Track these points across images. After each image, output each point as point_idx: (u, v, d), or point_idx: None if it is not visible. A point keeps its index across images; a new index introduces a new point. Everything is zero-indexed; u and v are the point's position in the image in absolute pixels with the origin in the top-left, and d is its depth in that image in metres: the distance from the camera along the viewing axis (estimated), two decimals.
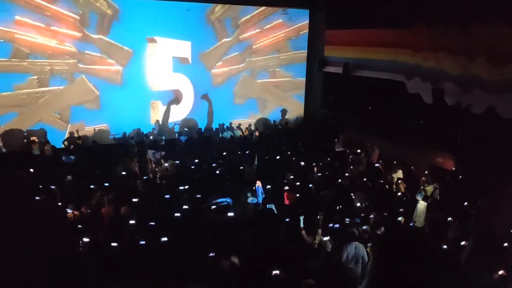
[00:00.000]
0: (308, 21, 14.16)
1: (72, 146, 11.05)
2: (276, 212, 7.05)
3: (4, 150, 10.68)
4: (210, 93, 13.33)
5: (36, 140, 10.83)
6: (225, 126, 13.15)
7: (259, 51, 13.78)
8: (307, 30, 14.21)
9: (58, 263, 5.06)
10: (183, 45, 12.58)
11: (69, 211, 6.75)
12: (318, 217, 6.19)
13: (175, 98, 12.86)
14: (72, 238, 5.85)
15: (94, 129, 11.80)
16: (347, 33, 13.06)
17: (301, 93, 14.72)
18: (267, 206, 7.17)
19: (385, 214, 7.07)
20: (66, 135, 11.42)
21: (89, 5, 11.20)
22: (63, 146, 11.09)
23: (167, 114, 12.72)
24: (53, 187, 7.74)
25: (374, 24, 11.78)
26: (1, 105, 10.62)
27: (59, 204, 7.17)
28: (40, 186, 7.95)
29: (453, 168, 9.41)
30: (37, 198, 7.40)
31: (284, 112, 14.34)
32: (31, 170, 9.08)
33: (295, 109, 14.73)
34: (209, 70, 13.24)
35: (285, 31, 13.93)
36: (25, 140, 10.85)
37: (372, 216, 6.82)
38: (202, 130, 12.80)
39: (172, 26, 12.27)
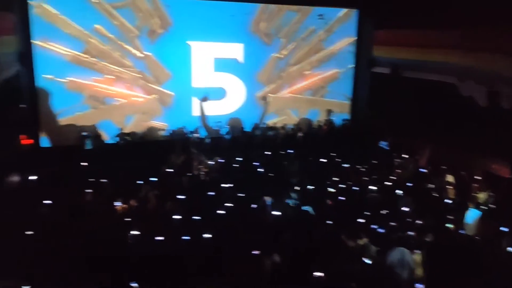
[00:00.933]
0: (337, 18, 13.96)
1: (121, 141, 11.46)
2: (313, 214, 7.02)
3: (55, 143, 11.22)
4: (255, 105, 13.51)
5: (88, 134, 11.34)
6: (267, 126, 13.18)
7: (297, 60, 13.80)
8: (339, 25, 14.01)
9: (109, 255, 5.29)
10: (231, 47, 12.88)
11: (118, 204, 7.03)
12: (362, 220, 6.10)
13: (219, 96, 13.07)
14: (121, 231, 6.06)
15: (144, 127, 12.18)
16: (397, 33, 12.73)
17: (332, 92, 14.48)
18: (302, 208, 7.16)
19: (433, 220, 6.82)
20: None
21: (144, 18, 11.74)
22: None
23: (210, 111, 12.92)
24: (104, 180, 8.06)
25: (426, 25, 11.40)
26: (76, 89, 11.29)
27: (109, 197, 7.45)
28: (91, 180, 8.29)
29: (509, 175, 8.96)
30: (88, 191, 7.76)
31: (328, 112, 14.14)
32: (83, 164, 9.53)
33: (344, 110, 14.52)
34: (264, 85, 13.59)
35: (320, 34, 13.81)
36: (78, 134, 11.32)
37: (419, 221, 6.61)
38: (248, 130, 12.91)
39: (219, 31, 12.52)
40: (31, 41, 10.51)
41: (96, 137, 11.31)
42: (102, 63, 11.44)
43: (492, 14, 9.43)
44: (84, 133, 11.26)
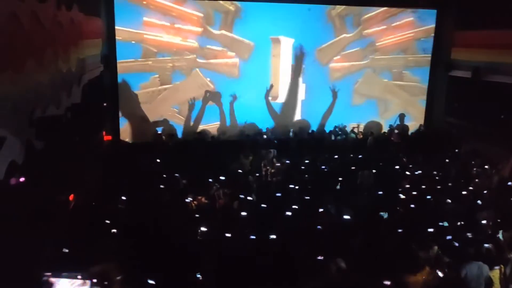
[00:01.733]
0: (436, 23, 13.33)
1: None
2: (387, 221, 6.80)
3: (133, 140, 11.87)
4: (326, 90, 13.15)
5: (161, 132, 11.92)
6: (337, 129, 12.92)
7: (383, 49, 13.29)
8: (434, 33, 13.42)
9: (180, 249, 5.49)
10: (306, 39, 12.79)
11: (189, 200, 7.30)
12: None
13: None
14: (191, 226, 6.27)
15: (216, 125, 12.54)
16: (478, 34, 11.95)
17: (425, 99, 13.89)
18: (380, 214, 6.93)
19: None
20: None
21: (213, 4, 11.96)
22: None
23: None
24: (177, 175, 8.39)
25: (508, 25, 10.59)
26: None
27: (181, 193, 7.75)
28: (165, 176, 8.68)
29: None
30: (161, 186, 8.14)
31: (402, 116, 13.61)
32: (158, 160, 10.02)
33: (419, 115, 13.92)
34: (326, 65, 13.08)
35: (414, 31, 13.25)
36: (154, 132, 11.91)
37: (500, 235, 6.17)
38: (314, 131, 12.80)
39: (293, 26, 12.48)
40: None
41: (170, 135, 11.85)
42: (152, 59, 11.71)
43: None
44: (159, 131, 11.89)
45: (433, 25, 13.35)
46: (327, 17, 12.80)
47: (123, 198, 7.32)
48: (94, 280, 4.14)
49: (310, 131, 12.82)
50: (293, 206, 7.17)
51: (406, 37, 13.27)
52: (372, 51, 13.24)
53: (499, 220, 6.91)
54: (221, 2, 12.00)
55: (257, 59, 12.47)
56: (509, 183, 8.79)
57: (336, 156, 10.74)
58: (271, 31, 12.45)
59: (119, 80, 11.55)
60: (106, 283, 4.22)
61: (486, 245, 5.68)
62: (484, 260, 5.32)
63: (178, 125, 12.36)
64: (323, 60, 13.04)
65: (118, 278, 4.29)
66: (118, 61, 11.45)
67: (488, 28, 11.44)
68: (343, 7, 12.78)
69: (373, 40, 13.17)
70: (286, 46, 12.62)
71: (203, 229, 6.02)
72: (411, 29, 13.23)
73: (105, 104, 11.10)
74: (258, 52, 12.44)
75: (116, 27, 11.25)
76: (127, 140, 11.90)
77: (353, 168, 9.64)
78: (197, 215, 6.78)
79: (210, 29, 12.00)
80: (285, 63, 12.75)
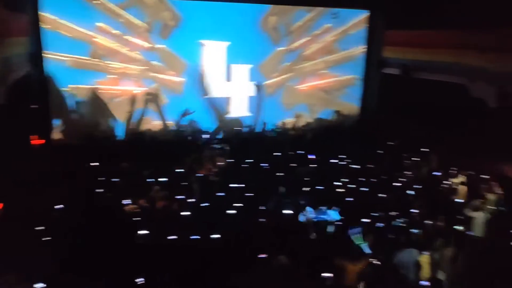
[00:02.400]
0: (356, 21, 13.91)
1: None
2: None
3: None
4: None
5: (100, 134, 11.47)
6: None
7: (310, 57, 13.74)
8: (356, 30, 13.95)
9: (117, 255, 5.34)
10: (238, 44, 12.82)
11: (127, 203, 7.09)
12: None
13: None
14: (130, 230, 6.11)
15: (151, 125, 12.24)
16: (408, 33, 12.65)
17: (350, 95, 14.43)
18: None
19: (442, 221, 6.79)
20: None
21: (154, 14, 11.80)
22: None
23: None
24: (115, 179, 8.12)
25: (436, 25, 11.32)
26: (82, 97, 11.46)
27: (119, 197, 7.51)
28: (102, 179, 8.36)
29: None
30: (98, 190, 7.83)
31: (337, 113, 14.12)
32: (94, 164, 9.61)
33: (348, 111, 14.45)
34: (267, 79, 13.45)
35: (335, 34, 13.77)
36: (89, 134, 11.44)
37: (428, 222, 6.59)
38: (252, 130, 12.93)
39: (227, 31, 12.50)
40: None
41: (107, 136, 11.43)
42: (105, 62, 11.48)
43: (505, 14, 9.35)
44: (96, 133, 11.43)
45: (351, 23, 13.83)
46: (261, 27, 13.02)
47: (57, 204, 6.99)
48: None
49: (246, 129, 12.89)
50: (236, 205, 7.22)
51: (327, 42, 13.75)
52: (300, 61, 13.66)
53: (427, 208, 7.37)
54: (162, 12, 11.88)
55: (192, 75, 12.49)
56: (436, 173, 9.41)
57: (277, 154, 10.87)
58: (210, 40, 12.47)
59: (71, 74, 11.07)
60: None
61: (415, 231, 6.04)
62: (414, 247, 5.65)
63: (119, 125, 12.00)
64: (266, 74, 13.38)
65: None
66: (69, 55, 10.99)
67: (415, 28, 12.14)
68: (275, 18, 13.03)
69: (302, 51, 13.60)
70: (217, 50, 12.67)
71: (142, 232, 5.88)
72: (332, 32, 13.70)
73: (34, 106, 10.48)
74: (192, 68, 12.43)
75: (65, 23, 10.78)
76: (62, 142, 11.29)
77: (294, 164, 9.83)
78: (136, 219, 6.62)
79: (153, 42, 11.91)
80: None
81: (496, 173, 8.82)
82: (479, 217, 7.09)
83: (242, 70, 13.07)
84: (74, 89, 11.26)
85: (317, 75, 14.00)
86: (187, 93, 12.49)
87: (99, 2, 11.13)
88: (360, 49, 14.16)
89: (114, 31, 11.41)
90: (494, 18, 9.63)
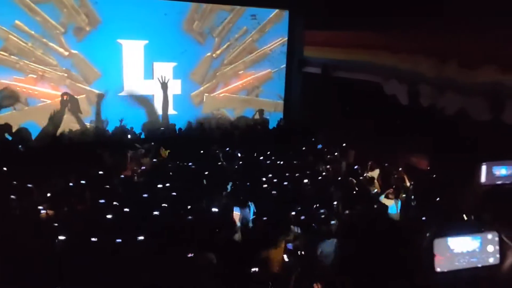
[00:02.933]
0: (271, 16, 14.28)
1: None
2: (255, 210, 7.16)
3: None
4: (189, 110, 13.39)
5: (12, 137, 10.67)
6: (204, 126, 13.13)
7: (231, 60, 14.00)
8: (271, 26, 14.32)
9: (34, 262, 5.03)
10: (163, 46, 12.69)
11: (42, 210, 6.69)
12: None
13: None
14: (46, 237, 5.79)
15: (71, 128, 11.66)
16: (326, 34, 13.23)
17: (269, 92, 14.77)
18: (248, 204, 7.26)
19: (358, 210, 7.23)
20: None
21: (69, 15, 11.32)
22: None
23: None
24: (29, 185, 7.60)
25: (352, 26, 11.95)
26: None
27: (35, 202, 7.07)
28: (15, 183, 7.79)
29: (427, 167, 9.66)
30: (12, 196, 7.29)
31: (261, 112, 14.42)
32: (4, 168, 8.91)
33: (274, 109, 14.85)
34: (200, 85, 13.67)
35: (252, 34, 14.09)
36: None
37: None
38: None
39: (149, 30, 12.34)
40: None
41: (21, 139, 10.64)
42: (23, 61, 10.87)
43: (413, 17, 10.10)
44: (7, 136, 10.60)
45: (266, 21, 14.19)
46: (184, 30, 13.00)
47: None
48: None
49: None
50: (162, 205, 7.11)
51: (246, 43, 14.06)
52: (222, 67, 13.87)
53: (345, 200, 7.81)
54: (78, 15, 11.42)
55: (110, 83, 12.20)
56: (355, 167, 9.97)
57: (202, 152, 10.85)
58: (126, 36, 12.18)
59: None
60: None
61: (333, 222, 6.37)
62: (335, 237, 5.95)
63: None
64: (198, 80, 13.50)
65: None
66: None
67: (333, 29, 12.73)
68: (200, 23, 13.11)
69: (223, 57, 13.81)
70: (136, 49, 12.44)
71: (60, 238, 5.60)
72: (249, 33, 14.00)
73: None
74: (108, 78, 12.15)
75: None
76: None
77: (219, 162, 9.87)
78: (54, 224, 6.27)
79: (67, 46, 11.45)
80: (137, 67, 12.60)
81: (406, 165, 9.55)
82: (391, 205, 7.65)
83: (165, 69, 12.88)
84: None
85: (237, 77, 14.23)
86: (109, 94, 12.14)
87: None
88: (274, 44, 14.49)
89: (30, 31, 10.81)
90: (405, 20, 10.38)
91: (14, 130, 10.82)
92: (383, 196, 7.98)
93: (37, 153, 10.23)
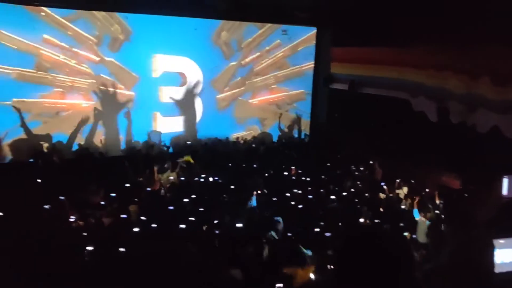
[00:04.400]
0: (305, 37, 14.38)
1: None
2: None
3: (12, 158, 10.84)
4: (214, 118, 13.50)
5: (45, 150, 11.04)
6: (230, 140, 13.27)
7: (261, 72, 14.06)
8: (305, 46, 14.41)
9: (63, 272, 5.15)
10: (188, 62, 12.96)
11: (73, 220, 6.87)
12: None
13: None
14: (76, 247, 5.93)
15: (101, 140, 11.95)
16: (353, 50, 13.22)
17: (300, 108, 14.81)
18: (275, 218, 7.19)
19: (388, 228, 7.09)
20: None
21: (103, 27, 11.66)
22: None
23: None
24: (62, 197, 7.82)
25: (380, 42, 11.91)
26: (26, 111, 11.02)
27: (66, 213, 7.26)
28: (49, 196, 8.03)
29: (459, 187, 9.42)
30: (45, 207, 7.53)
31: (289, 127, 14.45)
32: (39, 180, 9.20)
33: (297, 124, 14.83)
34: (221, 93, 13.68)
35: (284, 50, 14.17)
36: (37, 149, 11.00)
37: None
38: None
39: (180, 45, 12.59)
40: None
41: (52, 152, 11.02)
42: (52, 75, 11.18)
43: (441, 33, 10.00)
44: (40, 149, 11.00)
45: (300, 40, 14.30)
46: (213, 42, 13.19)
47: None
48: None
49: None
50: (189, 218, 7.17)
51: (278, 57, 14.16)
52: (251, 77, 13.95)
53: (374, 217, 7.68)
54: (111, 27, 11.74)
55: (145, 89, 12.42)
56: (382, 184, 9.81)
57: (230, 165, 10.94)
58: (162, 54, 12.45)
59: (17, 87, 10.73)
60: None
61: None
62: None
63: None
64: (219, 89, 13.59)
65: None
66: (14, 68, 10.65)
67: (360, 45, 12.72)
68: (227, 35, 13.26)
69: (252, 66, 13.91)
70: (168, 63, 12.69)
71: (89, 248, 5.73)
72: (281, 49, 14.11)
73: None
74: (146, 82, 12.37)
75: (9, 34, 10.45)
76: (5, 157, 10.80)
77: (245, 177, 9.90)
78: (84, 234, 6.43)
79: (102, 55, 11.71)
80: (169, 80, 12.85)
81: (436, 183, 9.33)
82: (422, 223, 7.47)
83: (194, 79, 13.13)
84: (18, 102, 10.87)
85: (268, 89, 14.31)
86: (138, 106, 12.35)
87: (44, 14, 10.85)
88: (309, 65, 14.59)
89: (61, 44, 11.13)
90: (431, 37, 10.28)
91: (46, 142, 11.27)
92: (417, 214, 7.75)
93: (69, 165, 10.55)
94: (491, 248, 2.77)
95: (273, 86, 14.33)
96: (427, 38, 10.41)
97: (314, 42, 14.48)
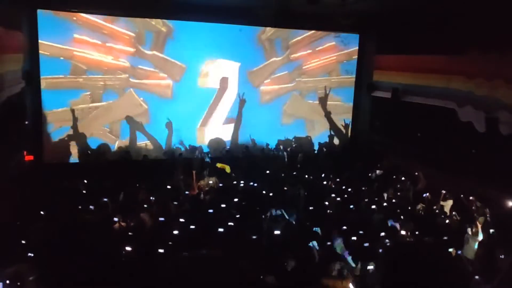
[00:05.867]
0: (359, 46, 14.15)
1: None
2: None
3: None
4: (257, 111, 13.39)
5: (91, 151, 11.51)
6: (270, 146, 13.19)
7: (309, 72, 13.87)
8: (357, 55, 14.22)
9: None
10: (233, 66, 12.97)
11: (116, 220, 7.05)
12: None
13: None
14: (117, 247, 6.07)
15: (146, 144, 12.25)
16: (397, 58, 12.92)
17: (349, 117, 14.64)
18: (314, 229, 7.08)
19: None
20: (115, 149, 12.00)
21: (145, 24, 11.87)
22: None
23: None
24: (105, 199, 8.06)
25: (426, 50, 11.58)
26: (57, 120, 11.34)
27: (109, 214, 7.47)
28: (93, 197, 8.31)
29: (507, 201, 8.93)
30: (91, 207, 7.79)
31: (331, 137, 14.28)
32: (85, 181, 9.53)
33: (343, 133, 14.61)
34: (257, 87, 13.44)
35: (337, 54, 14.00)
36: (83, 151, 11.41)
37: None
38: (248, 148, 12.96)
39: (224, 47, 12.68)
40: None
41: (99, 154, 11.43)
42: (83, 78, 11.39)
43: (492, 41, 9.61)
44: (88, 151, 11.44)
45: (355, 48, 14.16)
46: (257, 40, 13.18)
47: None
48: (7, 281, 4.04)
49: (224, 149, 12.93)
50: (229, 223, 7.20)
51: (330, 60, 14.00)
52: (299, 74, 13.81)
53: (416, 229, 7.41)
54: (153, 22, 11.93)
55: (188, 80, 12.50)
56: (424, 195, 9.47)
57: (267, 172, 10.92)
58: (203, 52, 12.54)
59: (44, 96, 10.99)
60: (19, 283, 4.13)
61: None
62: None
63: (110, 144, 12.00)
64: (254, 82, 13.42)
65: (31, 278, 4.17)
66: (44, 76, 10.90)
67: (405, 53, 12.41)
68: (273, 31, 13.21)
69: (300, 63, 13.76)
70: (217, 66, 12.77)
71: (128, 248, 5.85)
72: (334, 53, 13.98)
73: (26, 122, 10.49)
74: (190, 74, 12.48)
75: (42, 42, 10.75)
76: (52, 159, 11.22)
77: (284, 186, 9.84)
78: (125, 235, 6.58)
79: (142, 49, 11.89)
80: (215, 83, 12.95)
81: (484, 197, 8.89)
82: (471, 239, 7.13)
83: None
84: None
85: (315, 91, 14.12)
86: (176, 97, 12.47)
87: (75, 19, 11.02)
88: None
89: (97, 42, 11.28)
90: (481, 44, 9.89)
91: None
92: (469, 232, 7.36)
93: (111, 167, 10.87)
94: None
95: (320, 92, 14.14)
96: (476, 45, 10.02)
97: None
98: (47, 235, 6.28)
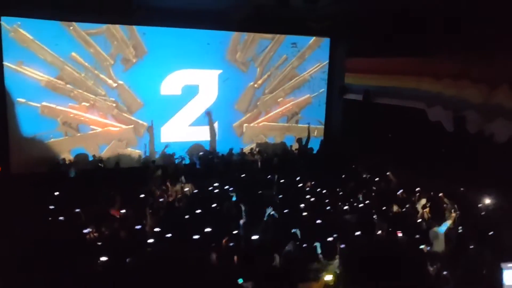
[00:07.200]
0: (309, 45, 14.31)
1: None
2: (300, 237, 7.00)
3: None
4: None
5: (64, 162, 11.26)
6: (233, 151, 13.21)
7: (272, 89, 14.11)
8: (311, 53, 14.35)
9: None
10: (208, 74, 13.08)
11: (87, 231, 6.89)
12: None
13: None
14: (89, 257, 5.95)
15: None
16: (368, 61, 13.16)
17: (307, 118, 14.70)
18: (292, 231, 7.09)
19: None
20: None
21: (119, 47, 11.88)
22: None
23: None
24: (77, 210, 7.86)
25: (395, 53, 11.84)
26: (50, 115, 11.34)
27: (81, 225, 7.30)
28: (64, 208, 8.09)
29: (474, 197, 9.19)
30: (60, 218, 7.58)
31: (299, 140, 14.38)
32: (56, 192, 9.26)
33: (314, 134, 14.75)
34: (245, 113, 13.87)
35: (292, 62, 14.15)
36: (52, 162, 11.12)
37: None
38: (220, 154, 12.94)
39: (195, 60, 12.71)
40: (4, 63, 10.62)
41: (72, 164, 11.17)
42: (77, 90, 11.47)
43: (458, 42, 9.90)
44: (60, 161, 11.16)
45: (306, 48, 14.22)
46: (229, 61, 13.30)
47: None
48: None
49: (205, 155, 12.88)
50: (206, 230, 7.13)
51: (287, 70, 14.15)
52: (263, 96, 14.00)
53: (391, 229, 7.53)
54: (127, 50, 11.96)
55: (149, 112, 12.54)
56: (398, 192, 9.65)
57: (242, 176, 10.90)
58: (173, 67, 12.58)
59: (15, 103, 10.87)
60: None
61: None
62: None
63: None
64: (241, 109, 13.77)
65: None
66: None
67: (375, 56, 12.65)
68: (240, 52, 13.35)
69: (265, 85, 13.97)
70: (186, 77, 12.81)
71: (102, 259, 5.73)
72: (288, 61, 14.07)
73: None
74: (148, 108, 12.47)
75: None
76: (21, 170, 10.87)
77: (259, 189, 9.84)
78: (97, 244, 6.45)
79: (116, 77, 11.96)
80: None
81: (453, 194, 9.12)
82: (438, 233, 7.29)
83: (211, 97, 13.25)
84: (45, 107, 11.20)
85: (277, 104, 14.28)
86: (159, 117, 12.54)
87: (72, 28, 11.18)
88: (313, 70, 14.49)
89: (84, 62, 11.44)
90: (448, 46, 10.18)
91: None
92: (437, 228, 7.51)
93: (83, 178, 10.63)
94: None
95: (280, 99, 14.31)
96: (444, 47, 10.31)
97: (319, 45, 14.38)
98: (14, 251, 6.09)
